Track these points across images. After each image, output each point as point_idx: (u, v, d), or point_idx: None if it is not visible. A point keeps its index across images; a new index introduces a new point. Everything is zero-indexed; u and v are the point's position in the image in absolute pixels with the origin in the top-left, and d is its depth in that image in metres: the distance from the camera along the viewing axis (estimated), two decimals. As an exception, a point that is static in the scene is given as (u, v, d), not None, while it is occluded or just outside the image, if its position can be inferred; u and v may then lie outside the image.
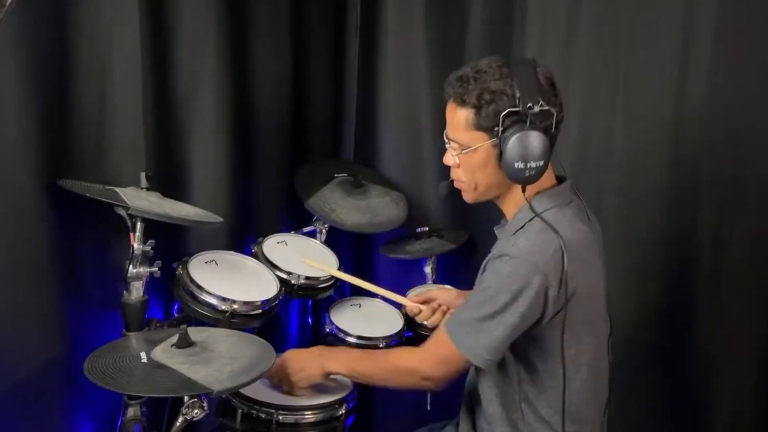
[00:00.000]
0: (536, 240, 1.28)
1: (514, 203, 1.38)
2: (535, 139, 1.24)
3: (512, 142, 1.24)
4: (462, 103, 1.32)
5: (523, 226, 1.32)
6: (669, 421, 2.06)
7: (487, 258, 1.37)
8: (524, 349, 1.35)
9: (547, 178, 1.37)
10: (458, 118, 1.33)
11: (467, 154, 1.34)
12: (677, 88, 1.96)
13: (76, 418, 1.69)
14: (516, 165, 1.25)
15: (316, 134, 2.55)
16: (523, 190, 1.31)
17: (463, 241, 2.30)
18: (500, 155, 1.27)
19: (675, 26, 1.95)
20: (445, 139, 1.40)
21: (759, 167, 1.88)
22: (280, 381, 1.58)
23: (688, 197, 1.97)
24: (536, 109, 1.25)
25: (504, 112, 1.26)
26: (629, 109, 2.03)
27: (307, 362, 1.55)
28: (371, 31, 2.53)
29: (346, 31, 2.61)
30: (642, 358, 2.04)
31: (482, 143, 1.31)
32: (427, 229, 2.29)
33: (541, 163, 1.26)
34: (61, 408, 1.65)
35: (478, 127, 1.31)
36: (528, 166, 1.25)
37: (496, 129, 1.27)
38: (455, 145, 1.37)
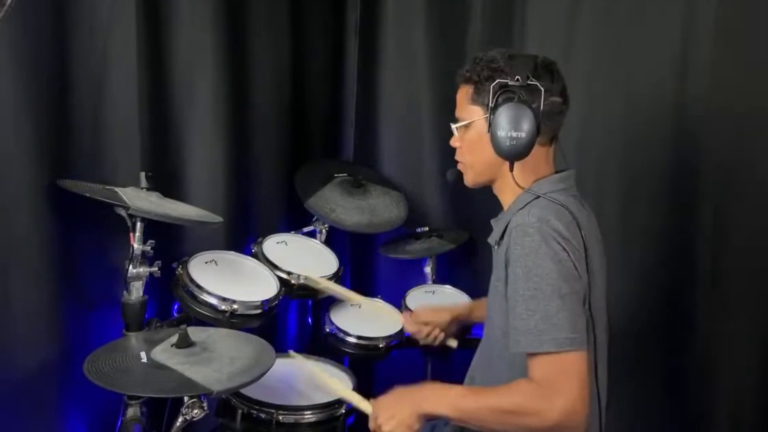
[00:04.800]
0: (550, 209, 1.29)
1: (512, 189, 1.39)
2: (520, 112, 1.27)
3: (499, 113, 1.28)
4: (467, 80, 1.40)
5: (524, 207, 1.33)
6: (669, 421, 2.05)
7: (503, 253, 1.31)
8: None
9: (545, 167, 1.40)
10: (461, 94, 1.42)
11: (465, 129, 1.41)
12: (678, 85, 1.95)
13: (76, 418, 1.69)
14: (499, 133, 1.28)
15: (316, 134, 2.55)
16: (511, 168, 1.31)
17: (463, 241, 2.30)
18: (489, 129, 1.30)
19: (675, 24, 1.95)
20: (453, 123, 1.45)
21: (760, 165, 1.88)
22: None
23: (689, 195, 1.97)
24: (524, 83, 1.31)
25: (494, 84, 1.32)
26: (630, 108, 2.03)
27: (396, 408, 1.34)
28: (371, 31, 2.53)
29: (346, 30, 2.61)
30: (641, 358, 2.04)
31: (477, 117, 1.39)
32: (427, 229, 2.29)
33: (524, 135, 1.27)
34: (60, 408, 1.65)
35: (474, 102, 1.39)
36: (510, 135, 1.27)
37: (489, 104, 1.32)
38: (458, 124, 1.43)
